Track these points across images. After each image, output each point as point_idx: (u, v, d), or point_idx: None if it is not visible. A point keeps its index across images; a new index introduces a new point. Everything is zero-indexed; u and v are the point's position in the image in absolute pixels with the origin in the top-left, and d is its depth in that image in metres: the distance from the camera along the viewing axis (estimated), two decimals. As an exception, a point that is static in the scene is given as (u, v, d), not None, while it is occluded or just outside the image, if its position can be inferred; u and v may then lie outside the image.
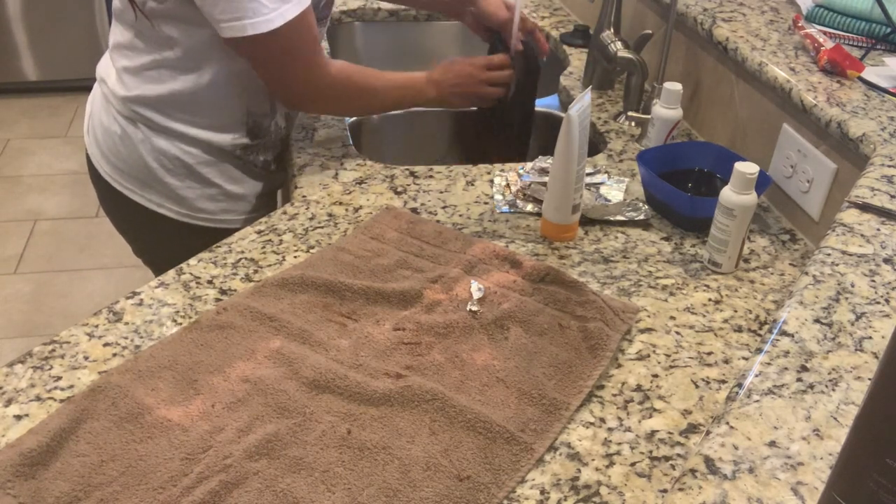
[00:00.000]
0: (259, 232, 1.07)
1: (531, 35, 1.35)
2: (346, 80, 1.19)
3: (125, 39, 1.16)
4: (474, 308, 0.92)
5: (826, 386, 0.66)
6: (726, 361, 0.88)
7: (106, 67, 1.23)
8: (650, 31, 1.40)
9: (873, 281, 0.78)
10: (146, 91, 1.16)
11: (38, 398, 0.79)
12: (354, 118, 1.47)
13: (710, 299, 0.98)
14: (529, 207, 1.14)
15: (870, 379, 0.66)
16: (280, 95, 1.19)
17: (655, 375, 0.86)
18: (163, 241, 1.28)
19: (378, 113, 1.33)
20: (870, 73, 1.14)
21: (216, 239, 1.07)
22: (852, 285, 0.78)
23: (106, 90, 1.21)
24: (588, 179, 1.20)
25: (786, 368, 0.68)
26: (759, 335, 0.92)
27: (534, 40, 1.35)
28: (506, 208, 1.14)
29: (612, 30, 1.45)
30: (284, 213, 1.11)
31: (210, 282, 0.97)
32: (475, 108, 1.37)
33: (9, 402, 0.79)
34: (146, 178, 1.21)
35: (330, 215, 1.11)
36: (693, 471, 0.60)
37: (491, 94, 1.30)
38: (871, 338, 0.72)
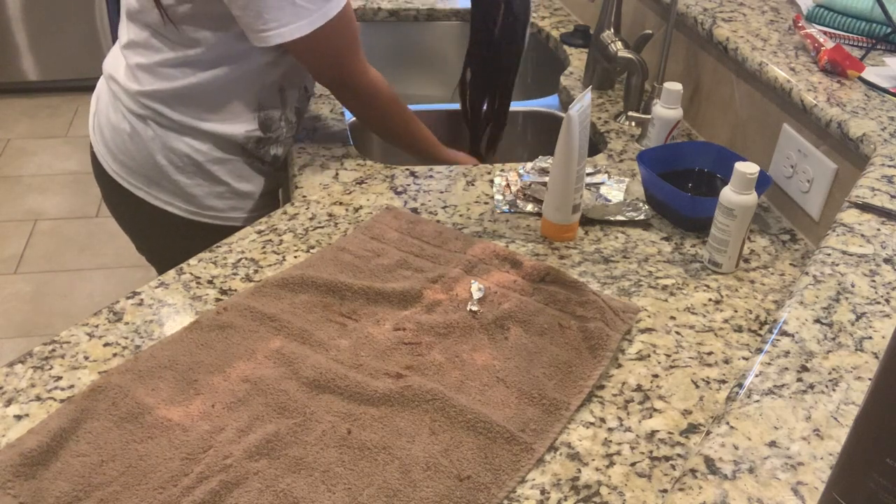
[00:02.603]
0: (259, 232, 1.07)
1: None
2: (383, 88, 1.23)
3: (140, 38, 1.16)
4: (474, 308, 0.92)
5: (826, 386, 0.66)
6: (726, 361, 0.88)
7: (114, 64, 1.23)
8: (650, 31, 1.40)
9: (873, 281, 0.78)
10: (161, 86, 1.16)
11: (38, 398, 0.79)
12: (355, 118, 1.48)
13: (710, 299, 0.98)
14: (529, 207, 1.14)
15: (870, 379, 0.66)
16: (327, 85, 1.23)
17: (656, 375, 0.86)
18: (168, 239, 1.29)
19: (400, 140, 1.30)
20: (870, 73, 1.14)
21: (220, 236, 1.07)
22: (852, 285, 0.78)
23: (115, 87, 1.21)
24: (588, 179, 1.20)
25: (786, 368, 0.68)
26: (760, 335, 0.92)
27: None
28: (506, 208, 1.14)
29: (612, 30, 1.45)
30: (285, 212, 1.12)
31: (210, 282, 0.97)
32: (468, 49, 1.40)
33: (9, 402, 0.79)
34: (155, 176, 1.21)
35: (330, 215, 1.11)
36: (693, 471, 0.60)
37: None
38: (871, 338, 0.72)
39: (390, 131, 1.30)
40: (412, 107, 1.31)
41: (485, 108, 1.46)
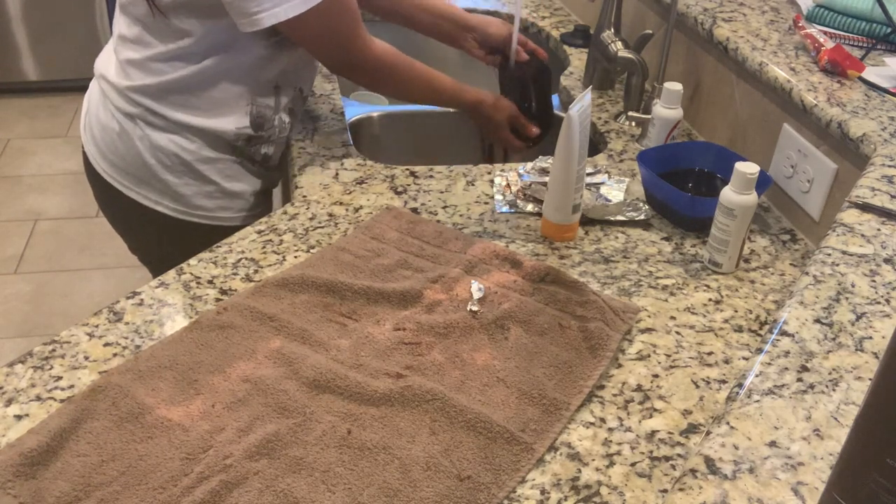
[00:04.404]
0: (259, 232, 1.07)
1: (526, 46, 1.39)
2: (392, 58, 1.22)
3: (131, 33, 1.16)
4: (474, 308, 0.92)
5: (826, 386, 0.66)
6: (726, 361, 0.88)
7: (105, 62, 1.23)
8: (650, 31, 1.40)
9: (874, 281, 0.78)
10: (151, 80, 1.16)
11: (38, 398, 0.79)
12: (355, 118, 1.48)
13: (710, 299, 0.98)
14: (530, 207, 1.14)
15: (870, 379, 0.66)
16: (332, 68, 1.23)
17: (656, 375, 0.86)
18: (159, 238, 1.29)
19: (421, 100, 1.32)
20: (870, 73, 1.14)
21: (212, 236, 1.07)
22: (853, 285, 0.78)
23: (105, 85, 1.21)
24: (588, 179, 1.20)
25: (786, 368, 0.68)
26: (760, 335, 0.92)
27: (532, 51, 1.39)
28: (506, 208, 1.14)
29: (612, 30, 1.45)
30: (285, 212, 1.12)
31: (210, 282, 0.97)
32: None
33: (9, 402, 0.79)
34: (144, 175, 1.21)
35: (330, 215, 1.11)
36: (693, 471, 0.60)
37: (512, 143, 1.37)
38: (871, 338, 0.72)
39: (411, 97, 1.30)
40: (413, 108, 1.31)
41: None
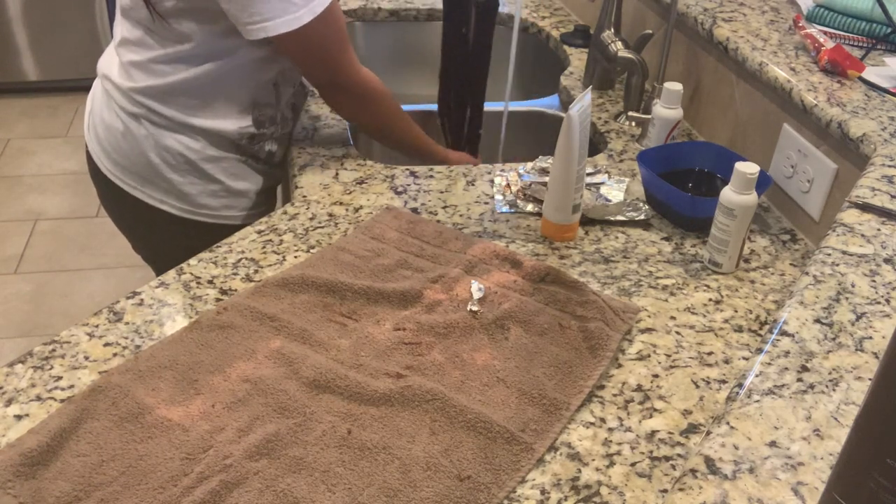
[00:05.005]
0: (259, 232, 1.07)
1: None
2: (377, 85, 1.22)
3: (134, 36, 1.16)
4: (474, 308, 0.92)
5: (826, 386, 0.66)
6: (727, 361, 0.88)
7: (108, 63, 1.23)
8: (650, 31, 1.40)
9: (874, 281, 0.78)
10: (154, 82, 1.16)
11: (38, 398, 0.79)
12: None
13: (710, 299, 0.98)
14: (530, 207, 1.14)
15: (870, 379, 0.66)
16: (318, 86, 1.23)
17: (656, 375, 0.86)
18: (163, 237, 1.29)
19: (394, 139, 1.30)
20: (870, 73, 1.14)
21: (216, 234, 1.07)
22: (853, 285, 0.78)
23: (109, 86, 1.21)
24: (588, 179, 1.20)
25: (786, 368, 0.68)
26: (760, 335, 0.92)
27: None
28: (506, 208, 1.15)
29: (612, 30, 1.45)
30: (285, 212, 1.12)
31: (210, 282, 0.97)
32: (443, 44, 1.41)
33: (9, 402, 0.79)
34: (148, 175, 1.21)
35: (330, 215, 1.11)
36: (693, 471, 0.60)
37: None
38: (871, 338, 0.72)
39: (385, 131, 1.30)
40: (411, 107, 1.31)
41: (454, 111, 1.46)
